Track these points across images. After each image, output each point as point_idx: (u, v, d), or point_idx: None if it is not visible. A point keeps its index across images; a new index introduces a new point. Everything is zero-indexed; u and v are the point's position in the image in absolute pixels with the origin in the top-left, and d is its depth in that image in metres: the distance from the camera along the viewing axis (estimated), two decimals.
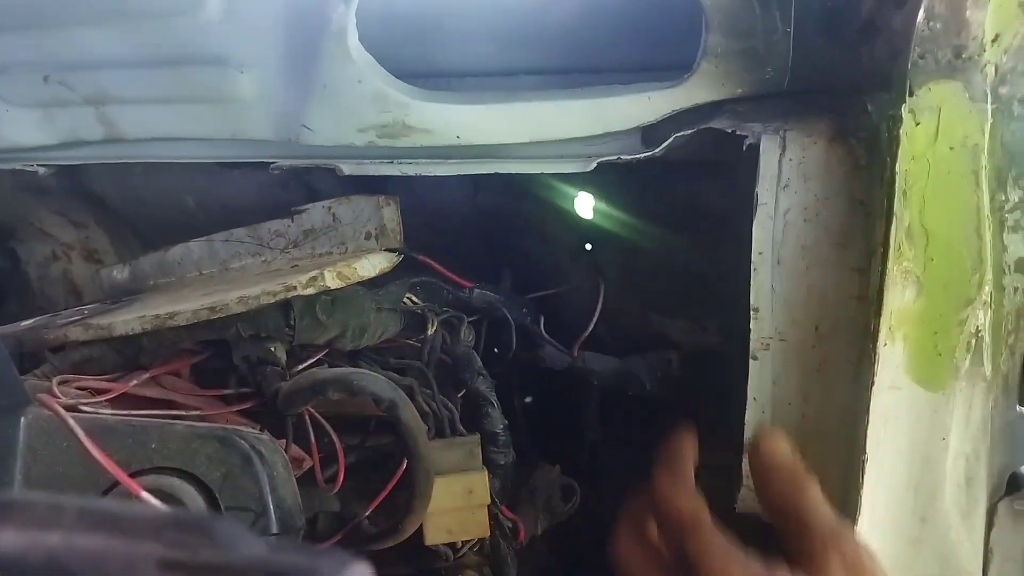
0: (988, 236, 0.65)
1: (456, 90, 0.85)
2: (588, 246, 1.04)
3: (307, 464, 0.73)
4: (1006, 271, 0.67)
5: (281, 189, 0.99)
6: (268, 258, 0.89)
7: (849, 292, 0.68)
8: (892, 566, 0.70)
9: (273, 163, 0.85)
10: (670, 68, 0.75)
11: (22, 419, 0.60)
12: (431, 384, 0.82)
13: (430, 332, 0.87)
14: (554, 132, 0.77)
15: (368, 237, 0.85)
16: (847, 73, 0.67)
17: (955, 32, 0.61)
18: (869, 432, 0.66)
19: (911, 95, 0.62)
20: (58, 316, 0.84)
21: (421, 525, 0.73)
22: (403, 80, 0.80)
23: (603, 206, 0.96)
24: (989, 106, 0.63)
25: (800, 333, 0.71)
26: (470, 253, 1.05)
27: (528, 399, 1.12)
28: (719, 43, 0.69)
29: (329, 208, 0.87)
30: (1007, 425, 0.72)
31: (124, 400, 0.69)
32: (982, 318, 0.67)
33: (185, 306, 0.73)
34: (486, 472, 0.79)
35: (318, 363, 0.79)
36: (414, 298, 0.88)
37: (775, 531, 0.55)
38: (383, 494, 0.74)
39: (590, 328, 1.00)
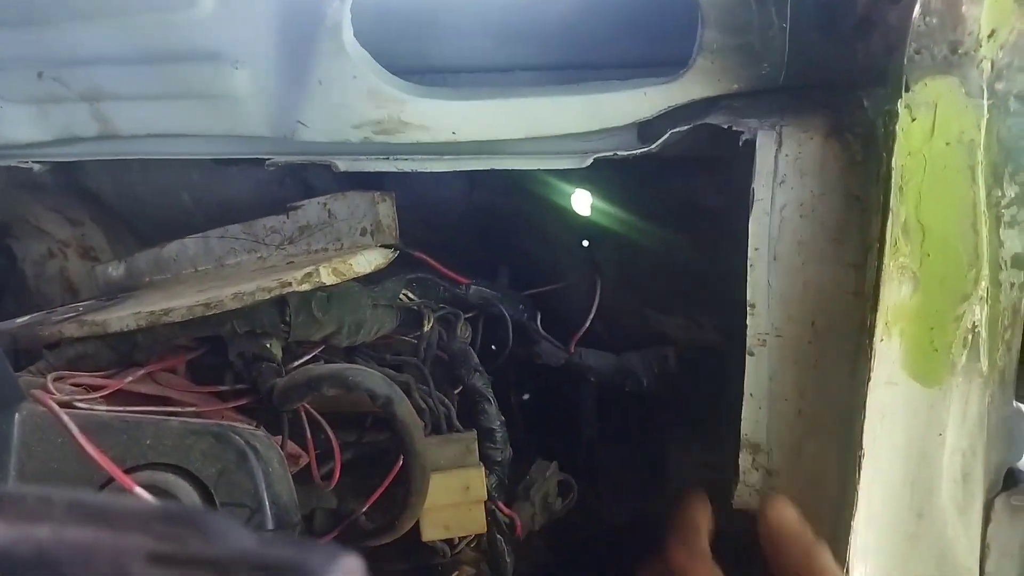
0: (984, 232, 0.65)
1: (452, 86, 0.85)
2: (585, 243, 1.04)
3: (303, 460, 0.73)
4: (1002, 267, 0.67)
5: (278, 186, 0.99)
6: (264, 254, 0.89)
7: (845, 288, 0.68)
8: (889, 562, 0.70)
9: (269, 159, 0.85)
10: (666, 64, 0.74)
11: (16, 415, 0.60)
12: (427, 380, 0.82)
13: (426, 328, 0.87)
14: (550, 128, 0.77)
15: (364, 233, 0.85)
16: (843, 68, 0.67)
17: (951, 27, 0.61)
18: (866, 428, 0.66)
19: (907, 90, 0.62)
20: (53, 313, 0.84)
21: (418, 521, 0.73)
22: (399, 76, 0.79)
23: (600, 203, 0.96)
24: (985, 102, 0.63)
25: (796, 329, 0.71)
26: (467, 250, 1.04)
27: (525, 396, 1.12)
28: (715, 39, 0.69)
29: (324, 204, 0.87)
30: (1004, 421, 0.72)
31: (119, 396, 0.69)
32: (978, 314, 0.67)
33: (180, 302, 0.73)
34: (483, 468, 0.79)
35: (314, 359, 0.79)
36: (410, 294, 0.88)
37: None
38: (379, 490, 0.73)
39: (587, 324, 1.00)
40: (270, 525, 0.62)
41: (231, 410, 0.73)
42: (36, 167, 0.93)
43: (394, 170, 0.83)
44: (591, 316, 1.01)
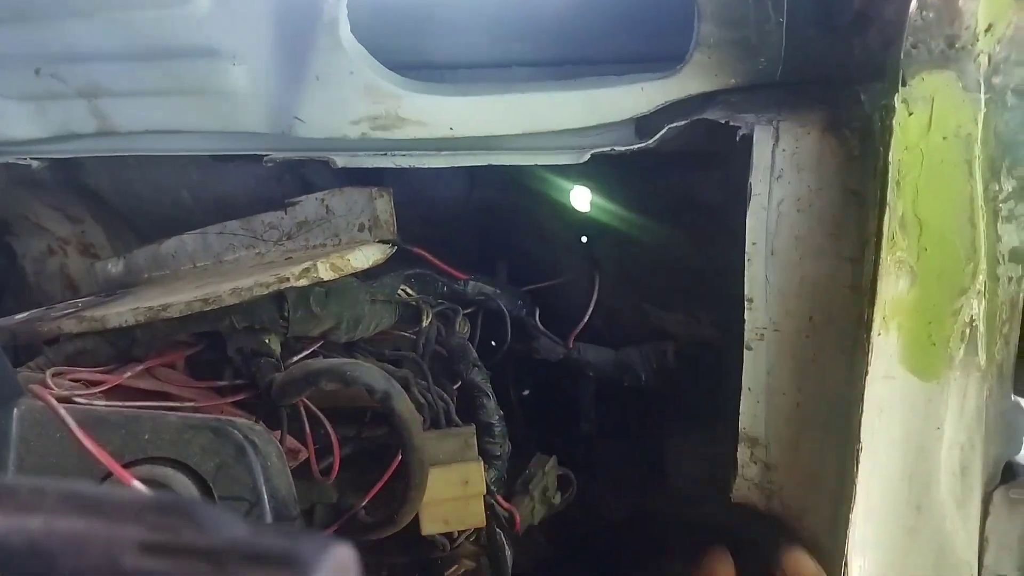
0: (982, 226, 0.65)
1: (449, 82, 0.85)
2: (583, 239, 1.05)
3: (302, 455, 0.73)
4: (1000, 261, 0.67)
5: (276, 182, 0.99)
6: (262, 250, 0.89)
7: (843, 282, 0.68)
8: (888, 555, 0.70)
9: (267, 156, 0.85)
10: (663, 59, 0.74)
11: (15, 410, 0.60)
12: (426, 375, 0.82)
13: (425, 324, 0.87)
14: (548, 123, 0.77)
15: (361, 229, 0.85)
16: (840, 63, 0.67)
17: (948, 22, 0.61)
18: (863, 421, 0.66)
19: (904, 85, 0.62)
20: (52, 309, 0.84)
21: (417, 515, 0.73)
22: (396, 72, 0.79)
23: (598, 199, 0.96)
24: (982, 96, 0.63)
25: (794, 323, 0.71)
26: (465, 246, 1.05)
27: (525, 392, 1.12)
28: (712, 33, 0.69)
29: (322, 200, 0.87)
30: (1002, 414, 0.72)
31: (118, 392, 0.69)
32: (976, 308, 0.67)
33: (178, 298, 0.73)
34: (481, 462, 0.79)
35: (313, 355, 0.79)
36: (409, 290, 0.88)
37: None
38: (379, 485, 0.74)
39: (585, 320, 1.01)
40: (269, 519, 0.62)
41: (230, 405, 0.74)
42: (34, 164, 0.93)
43: (392, 166, 0.83)
44: (590, 312, 1.01)
